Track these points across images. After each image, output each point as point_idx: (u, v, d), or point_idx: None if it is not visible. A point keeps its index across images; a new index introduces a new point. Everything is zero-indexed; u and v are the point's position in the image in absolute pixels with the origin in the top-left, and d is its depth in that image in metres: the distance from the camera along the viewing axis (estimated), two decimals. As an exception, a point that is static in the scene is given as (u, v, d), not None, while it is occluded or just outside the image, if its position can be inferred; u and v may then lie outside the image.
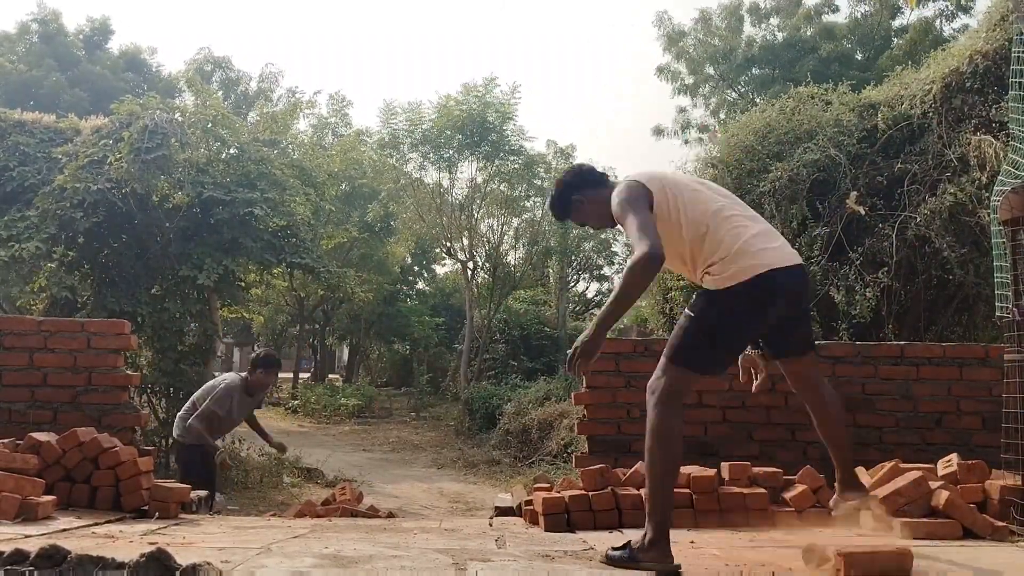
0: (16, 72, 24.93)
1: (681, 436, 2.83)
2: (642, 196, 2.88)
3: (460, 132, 17.74)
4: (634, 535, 3.57)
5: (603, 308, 2.74)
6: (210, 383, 6.60)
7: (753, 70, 21.76)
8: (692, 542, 3.35)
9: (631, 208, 2.83)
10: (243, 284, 11.67)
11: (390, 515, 5.67)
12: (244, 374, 6.54)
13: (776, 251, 2.92)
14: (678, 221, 2.89)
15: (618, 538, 3.51)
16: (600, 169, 3.34)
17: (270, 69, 28.74)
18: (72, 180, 9.52)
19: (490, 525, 4.21)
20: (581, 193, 3.19)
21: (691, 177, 3.20)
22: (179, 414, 6.54)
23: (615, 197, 2.94)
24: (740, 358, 3.27)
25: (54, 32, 26.75)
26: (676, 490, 3.92)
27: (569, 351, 2.79)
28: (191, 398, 6.62)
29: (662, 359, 2.90)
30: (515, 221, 21.59)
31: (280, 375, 31.50)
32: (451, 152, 18.36)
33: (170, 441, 9.84)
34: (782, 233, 7.80)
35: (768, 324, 3.00)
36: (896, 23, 21.13)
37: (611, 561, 2.67)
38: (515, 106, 18.35)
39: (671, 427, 2.80)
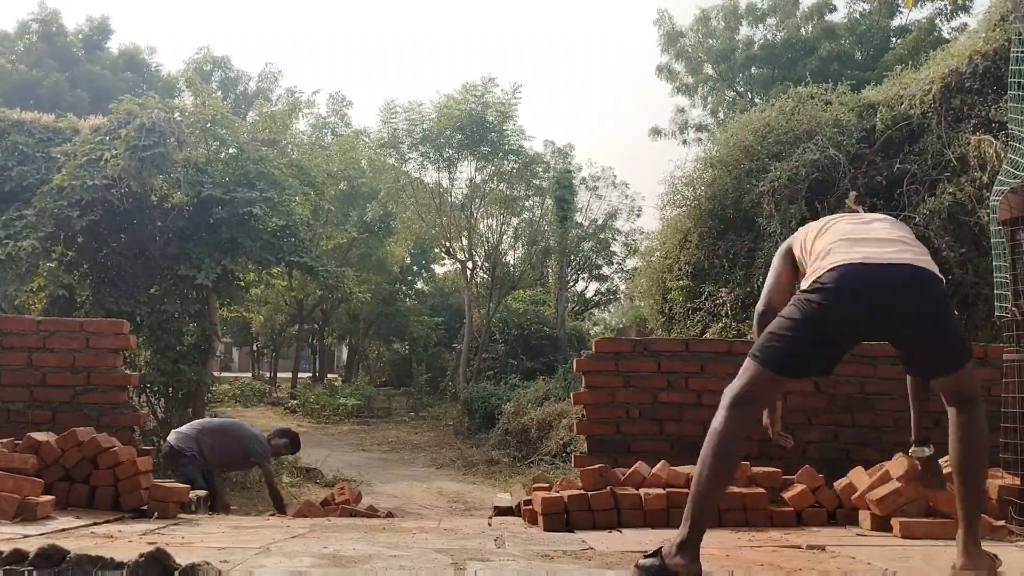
0: (16, 72, 24.91)
1: (741, 444, 2.66)
2: (788, 246, 3.15)
3: (460, 132, 17.75)
4: (632, 534, 3.58)
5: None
6: (236, 425, 6.70)
7: (752, 70, 21.77)
8: (691, 542, 3.34)
9: (775, 259, 3.20)
10: (242, 284, 11.66)
11: (389, 515, 5.67)
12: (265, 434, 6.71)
13: (863, 251, 2.63)
14: (804, 260, 2.98)
15: (617, 538, 3.51)
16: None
17: (269, 69, 28.81)
18: (69, 179, 9.51)
19: (489, 525, 4.21)
20: None
21: (848, 218, 2.98)
22: (180, 429, 6.42)
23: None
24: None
25: (55, 32, 26.72)
26: (674, 489, 3.93)
27: None
28: (198, 424, 6.58)
29: (746, 359, 2.73)
30: (514, 221, 21.62)
31: (279, 375, 31.53)
32: (451, 152, 18.37)
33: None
34: (779, 234, 7.89)
35: (854, 329, 2.66)
36: (895, 23, 21.16)
37: (641, 570, 2.49)
38: (515, 106, 18.38)
39: (734, 433, 2.60)
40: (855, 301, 2.56)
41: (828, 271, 2.60)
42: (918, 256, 2.64)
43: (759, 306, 3.05)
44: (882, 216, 2.97)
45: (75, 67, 26.09)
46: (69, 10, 63.96)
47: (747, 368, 2.67)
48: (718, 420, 2.61)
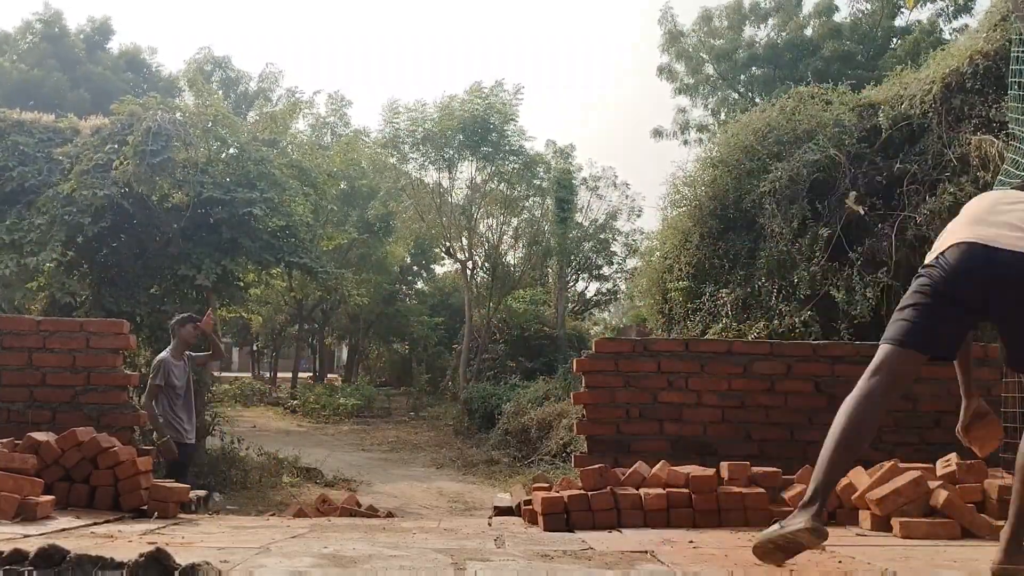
0: (17, 71, 24.89)
1: (875, 414, 2.73)
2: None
3: (461, 132, 17.76)
4: (632, 534, 3.58)
5: None
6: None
7: (754, 70, 21.76)
8: (691, 542, 3.34)
9: None
10: (242, 284, 11.66)
11: (389, 515, 5.67)
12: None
13: (984, 232, 2.67)
14: None
15: (617, 538, 3.51)
16: None
17: (270, 69, 28.80)
18: (80, 187, 9.51)
19: (489, 525, 4.21)
20: None
21: (991, 197, 2.96)
22: None
23: None
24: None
25: (58, 33, 26.70)
26: (674, 489, 3.93)
27: None
28: None
29: None
30: (514, 221, 21.62)
31: (279, 374, 31.52)
32: (451, 152, 18.37)
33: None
34: (780, 234, 7.89)
35: (968, 306, 2.70)
36: (897, 22, 21.16)
37: (763, 535, 2.72)
38: (517, 107, 18.42)
39: (867, 400, 2.73)
40: (968, 279, 2.66)
41: (948, 248, 2.72)
42: None
43: None
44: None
45: (77, 67, 26.07)
46: (71, 10, 64.12)
47: (879, 348, 2.84)
48: (857, 386, 2.78)
